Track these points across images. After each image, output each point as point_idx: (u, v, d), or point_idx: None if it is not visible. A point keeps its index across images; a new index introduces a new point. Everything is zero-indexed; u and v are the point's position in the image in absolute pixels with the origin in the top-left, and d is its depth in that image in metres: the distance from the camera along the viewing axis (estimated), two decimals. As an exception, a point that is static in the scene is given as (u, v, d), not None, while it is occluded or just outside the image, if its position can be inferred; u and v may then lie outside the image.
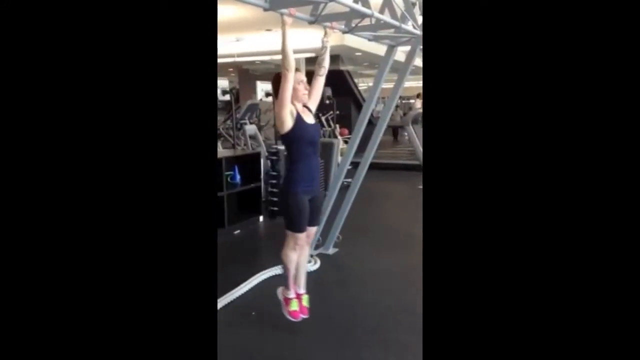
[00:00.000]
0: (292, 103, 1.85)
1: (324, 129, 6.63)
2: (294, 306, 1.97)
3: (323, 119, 6.81)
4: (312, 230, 2.04)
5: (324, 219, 2.87)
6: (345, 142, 5.01)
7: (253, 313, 2.14)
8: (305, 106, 1.97)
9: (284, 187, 1.96)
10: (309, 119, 1.94)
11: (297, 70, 1.88)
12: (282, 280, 2.53)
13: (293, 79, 1.78)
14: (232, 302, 2.23)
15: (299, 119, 1.86)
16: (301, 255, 2.00)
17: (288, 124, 1.83)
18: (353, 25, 2.09)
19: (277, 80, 1.88)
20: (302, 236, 1.92)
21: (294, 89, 1.86)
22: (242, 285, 2.36)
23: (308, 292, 2.44)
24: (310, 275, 2.60)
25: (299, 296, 2.01)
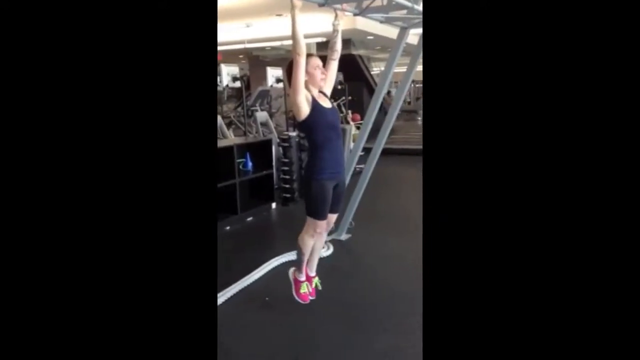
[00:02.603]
0: (308, 88, 1.82)
1: (335, 114, 6.56)
2: (305, 289, 2.00)
3: (335, 104, 6.74)
4: (333, 217, 2.02)
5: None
6: (358, 127, 4.97)
7: (267, 298, 2.16)
8: (320, 92, 1.95)
9: (307, 174, 1.90)
10: (326, 103, 1.91)
11: (312, 55, 1.85)
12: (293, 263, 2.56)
13: (305, 63, 1.74)
14: (246, 287, 2.26)
15: (315, 104, 1.82)
16: (317, 242, 2.00)
17: (305, 110, 1.79)
18: (364, 6, 2.05)
19: (290, 68, 1.83)
20: (322, 224, 1.91)
21: (311, 74, 1.83)
22: (255, 271, 2.39)
23: (322, 276, 2.46)
24: (323, 261, 2.62)
25: (309, 279, 2.03)
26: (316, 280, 2.06)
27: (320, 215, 1.87)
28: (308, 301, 1.99)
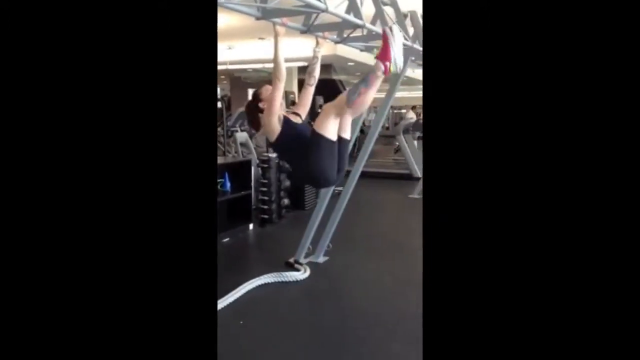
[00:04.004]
0: None
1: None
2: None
3: (309, 123, 6.79)
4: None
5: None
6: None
7: (241, 322, 2.11)
8: (294, 112, 2.00)
9: (301, 167, 1.83)
10: (297, 120, 1.96)
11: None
12: (273, 288, 2.52)
13: (268, 88, 1.82)
14: (220, 310, 2.19)
15: (286, 121, 1.87)
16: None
17: (277, 128, 1.84)
18: (345, 35, 2.11)
19: (249, 106, 1.94)
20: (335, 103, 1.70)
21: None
22: (230, 294, 2.34)
23: (298, 300, 2.42)
24: (300, 283, 2.59)
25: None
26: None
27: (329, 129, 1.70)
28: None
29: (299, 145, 1.82)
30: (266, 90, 1.88)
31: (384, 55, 1.66)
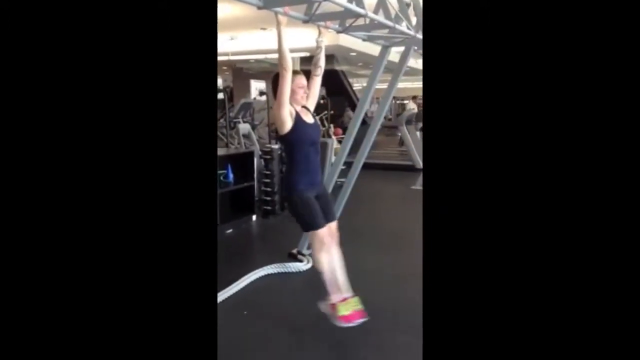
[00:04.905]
0: (290, 104, 1.84)
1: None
2: (343, 310, 1.78)
3: (317, 118, 6.80)
4: (333, 225, 1.94)
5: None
6: (339, 142, 5.01)
7: (245, 312, 2.13)
8: (303, 106, 1.97)
9: (287, 191, 1.91)
10: (309, 118, 1.94)
11: (299, 73, 1.88)
12: (276, 279, 2.53)
13: (291, 79, 1.78)
14: (223, 301, 2.22)
15: (298, 119, 1.85)
16: (333, 256, 1.86)
17: (288, 124, 1.81)
18: (347, 24, 2.09)
19: (276, 80, 1.87)
20: (323, 232, 1.81)
21: (294, 92, 1.85)
22: (234, 285, 2.36)
23: (300, 291, 2.44)
24: (302, 274, 2.60)
25: (345, 299, 1.81)
26: (354, 300, 1.82)
27: (315, 225, 1.81)
28: (355, 322, 1.77)
29: (305, 149, 1.86)
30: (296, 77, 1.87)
31: None
